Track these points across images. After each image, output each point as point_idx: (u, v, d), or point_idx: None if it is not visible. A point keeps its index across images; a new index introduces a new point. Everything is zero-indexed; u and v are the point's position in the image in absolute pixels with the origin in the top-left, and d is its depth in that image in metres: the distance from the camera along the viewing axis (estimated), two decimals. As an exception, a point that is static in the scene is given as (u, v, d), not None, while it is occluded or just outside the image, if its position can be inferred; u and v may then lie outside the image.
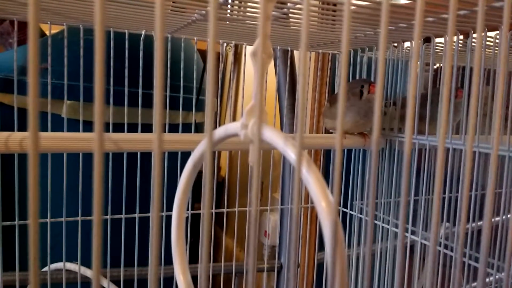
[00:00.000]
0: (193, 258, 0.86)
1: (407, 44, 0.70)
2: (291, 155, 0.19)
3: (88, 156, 0.66)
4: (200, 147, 0.32)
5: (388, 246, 0.68)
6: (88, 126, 0.69)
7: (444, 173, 0.62)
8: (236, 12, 0.51)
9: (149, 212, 0.69)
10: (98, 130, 0.15)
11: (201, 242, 0.21)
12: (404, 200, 0.21)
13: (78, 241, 0.63)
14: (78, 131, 0.64)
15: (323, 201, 0.22)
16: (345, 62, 0.19)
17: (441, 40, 0.62)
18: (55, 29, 0.84)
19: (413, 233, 0.67)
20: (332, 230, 0.21)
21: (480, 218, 0.64)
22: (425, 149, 0.65)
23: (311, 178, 0.22)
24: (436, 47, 0.63)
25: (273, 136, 0.21)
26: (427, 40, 0.63)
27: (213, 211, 0.75)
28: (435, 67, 0.85)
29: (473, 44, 0.58)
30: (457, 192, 0.65)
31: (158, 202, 0.18)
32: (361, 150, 0.76)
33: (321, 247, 0.90)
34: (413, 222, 0.67)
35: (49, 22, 0.60)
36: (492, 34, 0.59)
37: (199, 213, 0.67)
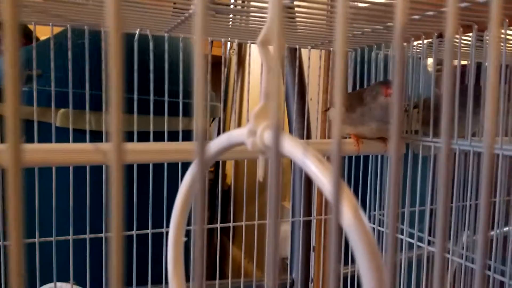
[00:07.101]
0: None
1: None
2: (322, 179, 0.13)
3: (82, 170, 0.61)
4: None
5: (414, 257, 0.62)
6: (82, 135, 0.64)
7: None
8: (240, 2, 0.46)
9: (159, 228, 0.64)
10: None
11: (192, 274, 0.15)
12: (486, 208, 0.16)
13: (70, 260, 0.58)
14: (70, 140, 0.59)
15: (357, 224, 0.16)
16: (400, 57, 0.14)
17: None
18: (46, 34, 0.79)
19: (429, 243, 0.62)
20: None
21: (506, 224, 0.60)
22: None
23: (344, 205, 0.16)
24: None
25: (294, 149, 0.15)
26: (440, 35, 0.58)
27: (219, 225, 0.70)
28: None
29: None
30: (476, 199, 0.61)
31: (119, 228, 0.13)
32: (378, 156, 0.70)
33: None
34: (430, 232, 0.63)
35: (33, 23, 0.55)
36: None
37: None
